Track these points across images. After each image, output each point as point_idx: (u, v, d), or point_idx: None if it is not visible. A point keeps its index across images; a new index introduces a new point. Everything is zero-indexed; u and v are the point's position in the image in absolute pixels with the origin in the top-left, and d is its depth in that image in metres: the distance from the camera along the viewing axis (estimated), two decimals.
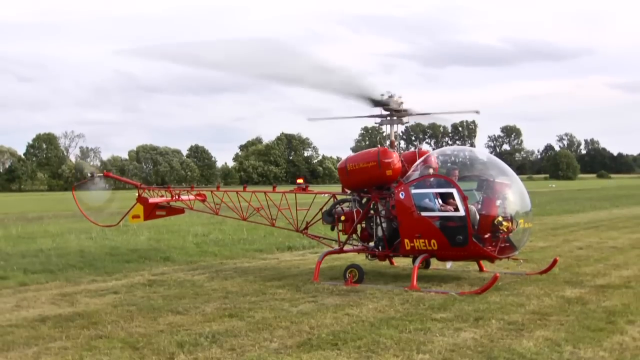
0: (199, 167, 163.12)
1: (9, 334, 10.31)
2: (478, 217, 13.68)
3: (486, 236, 13.73)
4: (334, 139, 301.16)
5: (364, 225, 15.49)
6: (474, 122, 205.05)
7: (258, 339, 9.65)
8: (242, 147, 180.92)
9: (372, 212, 15.22)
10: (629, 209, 40.04)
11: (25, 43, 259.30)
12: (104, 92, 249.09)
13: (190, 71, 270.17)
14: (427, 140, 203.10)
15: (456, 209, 13.64)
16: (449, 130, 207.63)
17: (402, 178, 14.62)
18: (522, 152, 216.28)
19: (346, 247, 15.80)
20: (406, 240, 14.18)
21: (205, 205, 19.39)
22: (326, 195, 17.11)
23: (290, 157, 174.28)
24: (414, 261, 14.45)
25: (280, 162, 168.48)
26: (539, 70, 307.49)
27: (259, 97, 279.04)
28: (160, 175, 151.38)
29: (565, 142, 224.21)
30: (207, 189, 20.04)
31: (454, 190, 13.69)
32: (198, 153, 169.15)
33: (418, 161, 14.85)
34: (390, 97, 15.23)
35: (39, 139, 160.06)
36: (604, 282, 14.20)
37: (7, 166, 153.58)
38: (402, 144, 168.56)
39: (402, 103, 15.25)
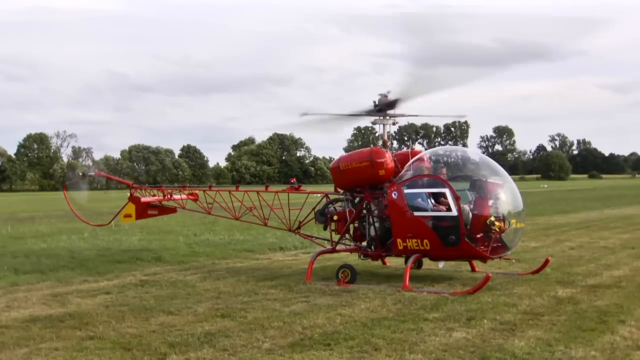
0: (191, 167, 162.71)
1: None
2: (471, 216, 13.70)
3: (478, 236, 13.75)
4: (327, 139, 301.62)
5: (356, 225, 15.48)
6: (466, 122, 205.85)
7: (250, 339, 9.63)
8: (234, 147, 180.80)
9: (364, 211, 15.22)
10: (620, 209, 40.25)
11: (14, 42, 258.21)
12: (95, 91, 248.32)
13: (182, 71, 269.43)
14: (419, 140, 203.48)
15: (449, 209, 13.66)
16: (442, 131, 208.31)
17: (395, 178, 14.63)
18: (514, 153, 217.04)
19: (339, 247, 15.79)
20: (399, 240, 14.19)
21: (198, 205, 19.35)
22: (319, 195, 17.10)
23: (283, 157, 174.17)
24: (406, 261, 14.46)
25: (273, 162, 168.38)
26: (531, 71, 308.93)
27: (251, 97, 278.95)
28: (152, 174, 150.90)
29: (557, 143, 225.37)
30: (199, 189, 20.01)
31: (446, 190, 13.72)
32: (190, 153, 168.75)
33: (411, 161, 14.86)
34: (384, 96, 15.25)
35: (30, 138, 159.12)
36: (596, 282, 14.26)
37: None
38: (395, 144, 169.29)
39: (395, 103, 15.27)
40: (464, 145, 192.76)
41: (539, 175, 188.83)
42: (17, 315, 11.71)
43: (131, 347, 9.34)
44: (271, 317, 11.03)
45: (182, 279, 15.52)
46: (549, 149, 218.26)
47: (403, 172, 14.69)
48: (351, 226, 15.42)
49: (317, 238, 17.19)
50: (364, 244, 15.34)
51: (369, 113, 15.55)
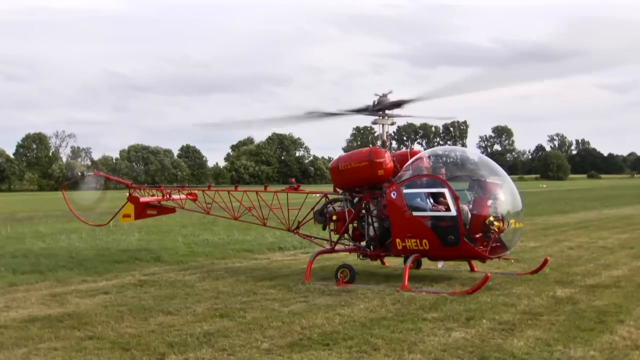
0: (189, 167, 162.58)
1: None
2: (470, 216, 13.70)
3: (477, 236, 13.75)
4: (326, 139, 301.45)
5: (355, 225, 15.48)
6: (465, 122, 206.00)
7: (249, 339, 9.62)
8: (233, 147, 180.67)
9: (363, 211, 15.22)
10: (619, 209, 40.28)
11: (14, 42, 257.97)
12: (94, 91, 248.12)
13: (180, 71, 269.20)
14: (418, 140, 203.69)
15: (448, 209, 13.66)
16: (441, 131, 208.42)
17: (393, 178, 14.63)
18: (513, 153, 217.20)
19: (338, 247, 15.79)
20: (398, 240, 14.19)
21: (197, 205, 19.35)
22: (318, 194, 17.10)
23: (282, 157, 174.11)
24: (405, 261, 14.46)
25: (272, 162, 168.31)
26: (530, 70, 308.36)
27: (250, 97, 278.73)
28: (151, 174, 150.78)
29: (556, 143, 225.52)
30: (198, 189, 20.01)
31: (445, 190, 13.72)
32: (189, 153, 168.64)
33: (410, 161, 14.87)
34: (382, 96, 15.25)
35: (29, 138, 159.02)
36: (594, 281, 14.27)
37: None
38: (394, 144, 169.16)
39: (393, 102, 15.27)
40: (463, 145, 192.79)
41: (538, 175, 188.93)
42: (16, 315, 11.70)
43: (130, 347, 9.34)
44: (270, 317, 11.03)
45: (181, 279, 15.52)
46: (548, 149, 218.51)
47: (402, 172, 14.69)
48: (350, 226, 15.43)
49: (316, 238, 17.19)
50: (363, 244, 15.34)
51: (368, 113, 15.52)
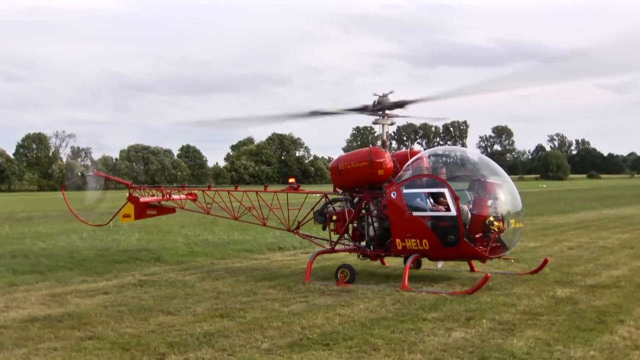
0: (189, 167, 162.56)
1: None
2: (470, 216, 13.70)
3: (477, 236, 13.75)
4: (326, 139, 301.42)
5: (355, 225, 15.48)
6: (465, 122, 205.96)
7: (249, 339, 9.63)
8: (233, 147, 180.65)
9: (363, 211, 15.22)
10: (619, 209, 40.27)
11: (14, 42, 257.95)
12: (94, 91, 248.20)
13: (180, 71, 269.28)
14: (418, 140, 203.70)
15: (448, 209, 13.66)
16: (441, 131, 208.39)
17: (393, 178, 14.63)
18: (513, 153, 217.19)
19: (338, 247, 15.79)
20: (398, 240, 14.19)
21: (197, 205, 19.35)
22: (318, 194, 17.10)
23: (282, 157, 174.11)
24: (405, 261, 14.46)
25: (272, 162, 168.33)
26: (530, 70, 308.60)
27: (250, 97, 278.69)
28: (151, 174, 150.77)
29: (556, 143, 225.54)
30: (198, 189, 20.01)
31: (445, 190, 13.72)
32: (189, 153, 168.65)
33: (410, 161, 14.86)
34: (382, 96, 15.25)
35: (29, 138, 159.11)
36: (594, 281, 14.27)
37: None
38: (394, 144, 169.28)
39: (393, 103, 15.27)
40: (463, 145, 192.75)
41: (538, 175, 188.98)
42: (16, 315, 11.70)
43: (130, 347, 9.34)
44: (270, 317, 11.03)
45: (181, 279, 15.52)
46: (547, 149, 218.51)
47: (402, 172, 14.69)
48: (350, 226, 15.42)
49: (316, 238, 17.19)
50: (363, 244, 15.34)
51: (369, 113, 15.52)
